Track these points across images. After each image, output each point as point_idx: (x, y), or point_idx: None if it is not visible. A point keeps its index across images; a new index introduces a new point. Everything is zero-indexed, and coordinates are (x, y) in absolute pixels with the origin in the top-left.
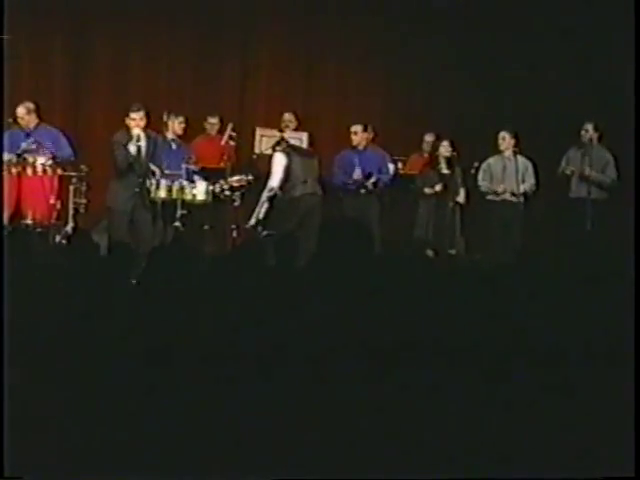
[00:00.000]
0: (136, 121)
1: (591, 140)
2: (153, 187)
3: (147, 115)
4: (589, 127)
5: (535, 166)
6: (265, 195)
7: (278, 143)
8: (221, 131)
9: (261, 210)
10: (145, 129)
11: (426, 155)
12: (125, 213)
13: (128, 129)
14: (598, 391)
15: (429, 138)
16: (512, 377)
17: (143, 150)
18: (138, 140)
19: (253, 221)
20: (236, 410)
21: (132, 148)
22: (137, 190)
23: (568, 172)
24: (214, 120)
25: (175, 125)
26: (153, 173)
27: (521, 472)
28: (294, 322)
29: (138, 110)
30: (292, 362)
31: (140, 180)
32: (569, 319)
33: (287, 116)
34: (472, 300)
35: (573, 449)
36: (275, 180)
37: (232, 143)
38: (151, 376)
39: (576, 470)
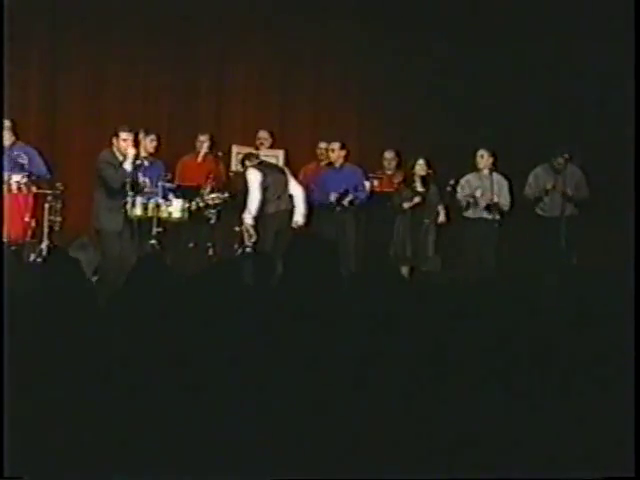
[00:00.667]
0: (127, 142)
1: (566, 161)
2: (129, 205)
3: (136, 135)
4: (564, 157)
5: (511, 184)
6: (248, 220)
7: (248, 157)
8: (211, 149)
9: (251, 240)
10: (134, 148)
11: (389, 172)
12: (117, 234)
13: (113, 149)
14: (598, 391)
15: (389, 155)
16: (511, 380)
17: (131, 170)
18: (135, 160)
19: (249, 250)
20: (221, 415)
21: (129, 168)
22: (122, 211)
23: (549, 187)
24: (204, 138)
25: (147, 143)
26: (137, 190)
27: (521, 472)
28: (272, 335)
29: (130, 131)
30: (272, 372)
31: (125, 201)
32: (565, 318)
33: (262, 134)
34: (448, 315)
35: (573, 449)
36: (254, 201)
37: (218, 161)
38: (151, 378)
39: (576, 470)
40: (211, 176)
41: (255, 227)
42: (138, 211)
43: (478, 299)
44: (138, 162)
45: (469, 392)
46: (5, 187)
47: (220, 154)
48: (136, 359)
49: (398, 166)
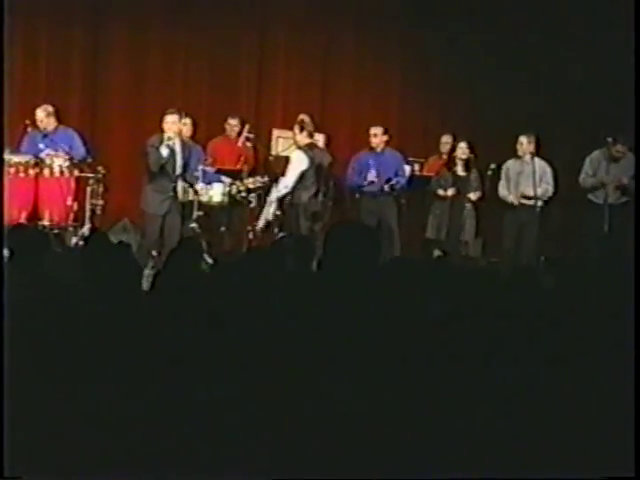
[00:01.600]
0: (169, 124)
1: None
2: (178, 188)
3: (181, 119)
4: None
5: (554, 170)
6: (274, 195)
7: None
8: (241, 133)
9: (270, 211)
10: (180, 133)
11: (445, 157)
12: (159, 217)
13: (163, 132)
14: (598, 391)
15: (446, 139)
16: (513, 378)
17: (179, 153)
18: (169, 142)
19: (262, 223)
20: (239, 411)
21: (164, 151)
22: (171, 194)
23: (605, 179)
24: (234, 122)
25: (181, 127)
26: (185, 178)
27: (521, 472)
28: (306, 323)
29: (172, 113)
30: (303, 363)
31: (173, 184)
32: (572, 320)
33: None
34: (487, 302)
35: (573, 449)
36: (290, 181)
37: (249, 144)
38: (153, 377)
39: (576, 470)
40: (242, 159)
41: (278, 209)
42: (179, 195)
43: (518, 285)
44: (171, 146)
45: (467, 392)
46: (47, 170)
47: (251, 136)
48: (148, 354)
49: (453, 150)
